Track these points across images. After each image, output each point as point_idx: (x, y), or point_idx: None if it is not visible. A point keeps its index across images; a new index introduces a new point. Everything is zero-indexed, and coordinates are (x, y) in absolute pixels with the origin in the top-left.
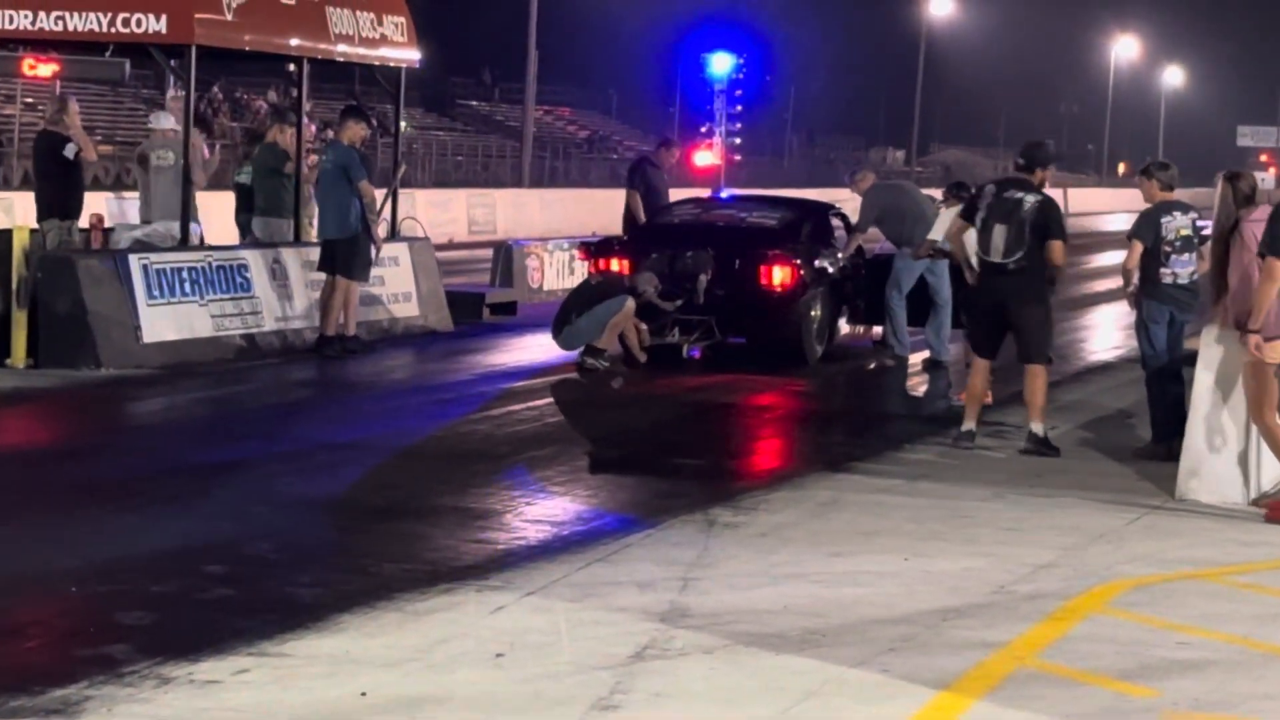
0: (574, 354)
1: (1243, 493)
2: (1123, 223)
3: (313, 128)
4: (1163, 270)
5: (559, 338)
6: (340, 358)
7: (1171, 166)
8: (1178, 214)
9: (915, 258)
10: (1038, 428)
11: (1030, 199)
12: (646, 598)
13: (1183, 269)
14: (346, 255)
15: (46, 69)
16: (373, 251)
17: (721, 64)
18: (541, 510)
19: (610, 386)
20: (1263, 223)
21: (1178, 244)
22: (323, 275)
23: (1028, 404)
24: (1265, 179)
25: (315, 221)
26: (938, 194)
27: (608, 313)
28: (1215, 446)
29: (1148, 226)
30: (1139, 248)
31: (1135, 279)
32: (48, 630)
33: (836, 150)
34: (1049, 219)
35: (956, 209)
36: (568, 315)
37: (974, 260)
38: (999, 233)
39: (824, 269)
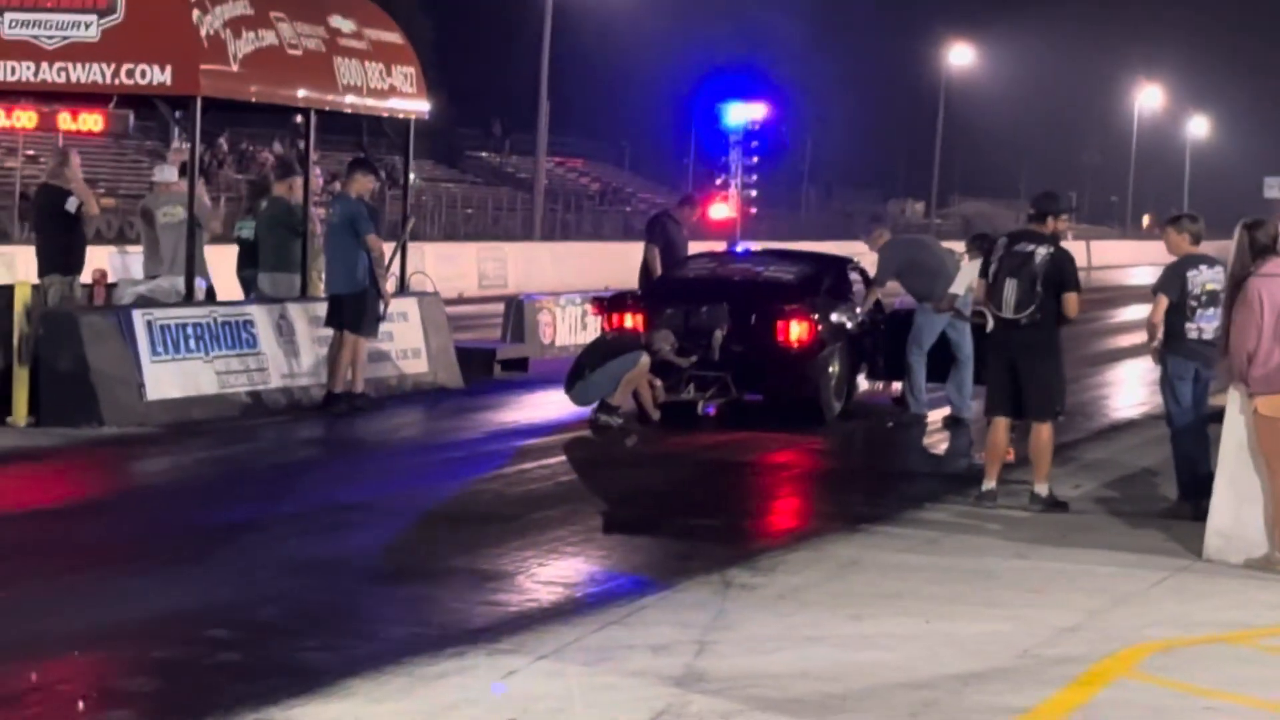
0: (587, 410)
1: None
2: (1146, 276)
3: (319, 180)
4: (1188, 325)
5: (572, 393)
6: (348, 416)
7: (1199, 219)
8: (1204, 268)
9: (937, 311)
10: (1042, 488)
11: (1042, 251)
12: (661, 661)
13: (1208, 324)
14: (354, 310)
15: (96, 123)
16: (381, 307)
17: (737, 114)
18: (554, 572)
19: (624, 444)
20: (1274, 279)
21: (1204, 299)
22: (330, 331)
23: (1033, 463)
24: None
25: (324, 276)
26: (959, 247)
27: (622, 368)
28: (1242, 505)
29: (1173, 280)
30: (1164, 302)
31: (1160, 334)
32: (48, 696)
33: (854, 203)
34: (1062, 271)
35: (979, 261)
36: (581, 370)
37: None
38: (1010, 287)
39: (842, 324)
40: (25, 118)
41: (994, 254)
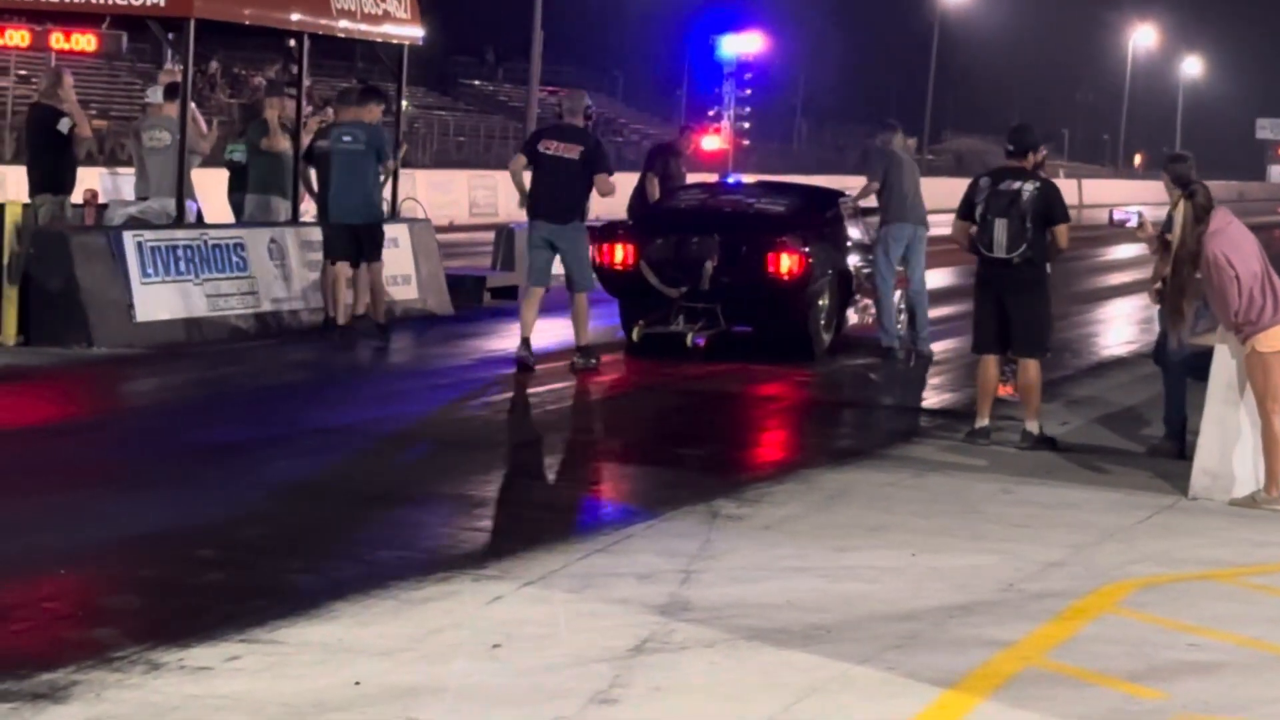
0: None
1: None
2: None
3: (309, 107)
4: None
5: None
6: (380, 339)
7: (1188, 158)
8: None
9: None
10: (1033, 425)
11: (1029, 187)
12: (647, 589)
13: None
14: (375, 239)
15: (89, 43)
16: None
17: (731, 46)
18: (541, 499)
19: (605, 374)
20: (1223, 234)
21: None
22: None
23: (1023, 400)
24: None
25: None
26: (954, 183)
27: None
28: (1229, 444)
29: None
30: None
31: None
32: (35, 613)
33: (846, 137)
34: (1050, 204)
35: None
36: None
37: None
38: (1000, 227)
39: (832, 257)
40: (19, 37)
41: (977, 194)
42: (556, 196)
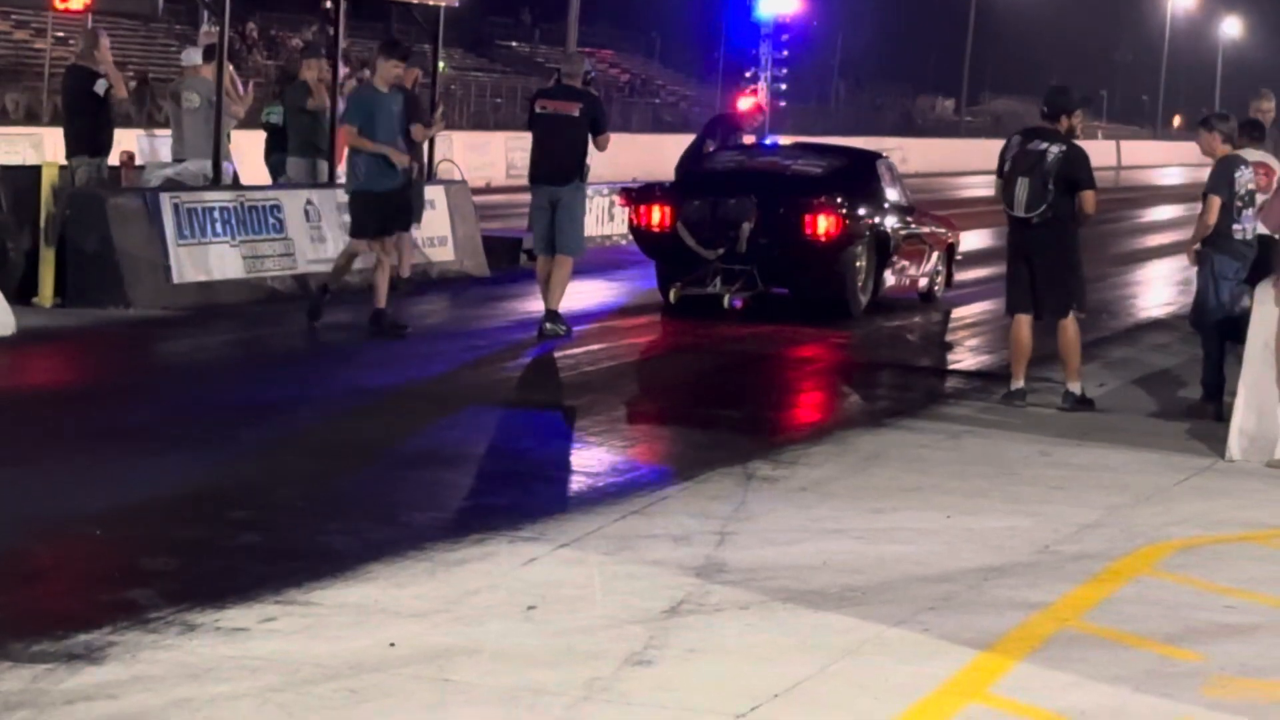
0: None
1: None
2: (1176, 177)
3: (345, 69)
4: (1235, 226)
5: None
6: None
7: (1231, 118)
8: (1244, 168)
9: None
10: (1075, 386)
11: (1054, 149)
12: (682, 551)
13: (1249, 224)
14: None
15: (78, 2)
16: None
17: (769, 6)
18: (577, 460)
19: (644, 336)
20: None
21: (1246, 198)
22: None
23: (1063, 361)
24: None
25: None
26: (989, 144)
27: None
28: (1266, 406)
29: (1223, 180)
30: (1217, 203)
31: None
32: (71, 574)
33: (883, 97)
34: (1075, 169)
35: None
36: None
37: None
38: (1021, 186)
39: (870, 219)
40: (77, 1)
41: (1007, 151)
42: (556, 157)
